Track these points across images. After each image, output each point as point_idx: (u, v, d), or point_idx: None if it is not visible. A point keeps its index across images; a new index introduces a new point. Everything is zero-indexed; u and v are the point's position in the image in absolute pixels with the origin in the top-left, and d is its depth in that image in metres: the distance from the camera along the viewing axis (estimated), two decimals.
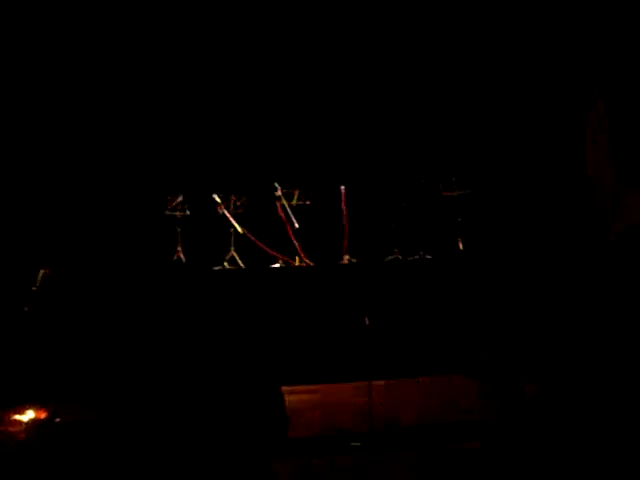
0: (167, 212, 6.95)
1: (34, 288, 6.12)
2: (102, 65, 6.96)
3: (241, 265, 6.95)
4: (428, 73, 7.20)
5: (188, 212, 6.99)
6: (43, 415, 4.58)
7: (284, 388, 5.41)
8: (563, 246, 6.37)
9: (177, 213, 6.96)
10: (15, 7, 6.67)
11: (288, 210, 6.99)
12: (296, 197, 6.98)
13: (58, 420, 4.38)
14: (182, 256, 6.96)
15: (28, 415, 4.56)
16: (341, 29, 7.11)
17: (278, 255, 6.95)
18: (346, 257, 6.99)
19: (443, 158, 7.16)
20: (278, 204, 7.01)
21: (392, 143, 7.24)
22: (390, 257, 6.98)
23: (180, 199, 6.97)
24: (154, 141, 7.07)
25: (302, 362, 6.10)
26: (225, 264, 6.93)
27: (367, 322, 6.75)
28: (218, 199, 6.98)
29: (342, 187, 7.05)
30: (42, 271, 6.15)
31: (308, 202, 6.97)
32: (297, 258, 6.98)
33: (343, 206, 7.03)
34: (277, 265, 6.94)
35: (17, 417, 4.56)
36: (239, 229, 6.98)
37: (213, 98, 7.22)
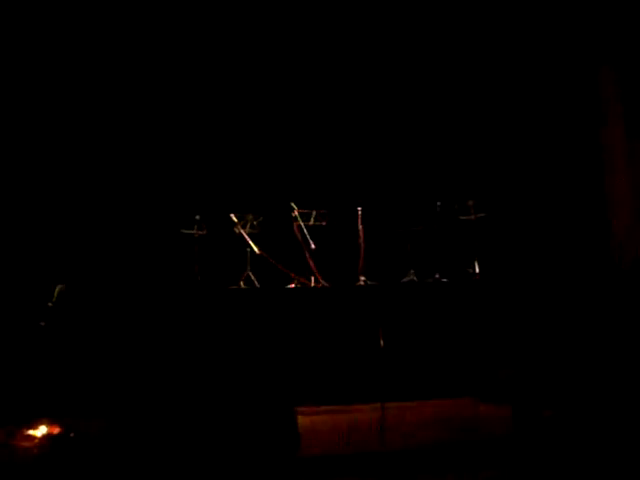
0: (184, 231, 6.95)
1: (50, 304, 6.12)
2: (124, 83, 7.00)
3: (257, 285, 6.95)
4: (446, 97, 7.20)
5: (205, 231, 7.01)
6: (57, 430, 4.57)
7: (299, 408, 5.39)
8: (579, 271, 6.29)
9: (194, 232, 6.97)
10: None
11: (304, 231, 6.97)
12: (313, 218, 6.98)
13: (72, 435, 4.37)
14: (198, 275, 6.96)
15: (42, 430, 4.55)
16: (365, 48, 7.09)
17: (294, 275, 6.93)
18: (362, 278, 6.96)
19: (460, 181, 7.14)
20: (295, 224, 7.01)
21: (409, 165, 7.24)
22: (406, 279, 6.95)
23: (197, 218, 6.99)
24: (172, 159, 7.09)
25: (316, 383, 6.04)
26: (241, 283, 6.94)
27: (382, 343, 6.68)
28: (235, 219, 6.99)
29: (359, 208, 7.05)
30: (59, 287, 6.15)
31: (324, 223, 6.97)
32: (313, 279, 6.96)
33: (359, 227, 7.02)
34: (293, 285, 6.93)
35: (31, 432, 4.54)
36: (255, 249, 6.97)
37: (232, 120, 7.25)
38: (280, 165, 7.20)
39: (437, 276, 6.95)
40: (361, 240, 7.01)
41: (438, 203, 6.99)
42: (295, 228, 7.01)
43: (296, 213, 7.01)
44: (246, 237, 6.99)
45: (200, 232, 6.99)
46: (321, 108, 7.28)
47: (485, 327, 6.47)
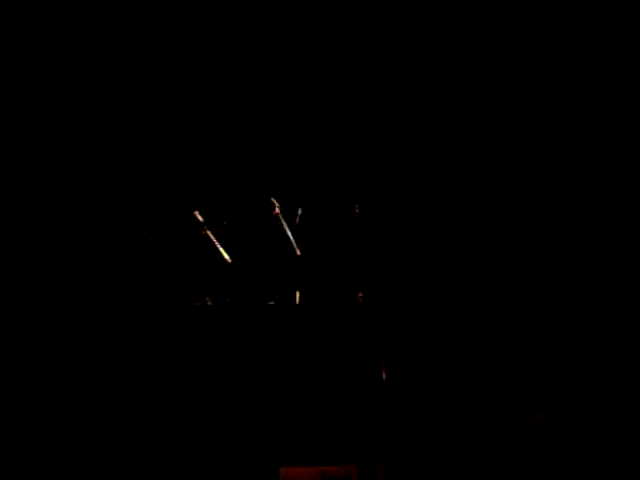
0: (135, 233, 5.72)
1: None
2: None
3: (227, 301, 5.73)
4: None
5: (161, 234, 5.75)
6: None
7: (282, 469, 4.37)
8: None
9: (147, 235, 5.73)
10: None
11: (288, 233, 5.75)
12: (298, 217, 5.77)
13: None
14: (153, 289, 5.70)
15: None
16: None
17: (274, 290, 5.73)
18: (360, 294, 5.68)
19: (480, 168, 5.84)
20: (275, 225, 5.76)
21: (418, 148, 5.90)
22: (416, 296, 5.71)
23: (151, 217, 5.75)
24: (116, 141, 5.78)
25: (302, 435, 4.82)
26: (207, 300, 5.71)
27: (384, 377, 5.44)
28: (200, 218, 5.74)
29: (356, 205, 5.78)
30: None
31: (313, 223, 5.80)
32: (298, 294, 5.74)
33: (357, 229, 5.75)
34: (273, 302, 5.72)
35: None
36: (226, 256, 5.73)
37: (196, 89, 5.91)
38: (257, 151, 5.87)
39: (456, 290, 5.71)
40: (359, 245, 5.78)
41: (457, 194, 5.75)
42: (276, 230, 5.77)
43: (277, 211, 5.77)
44: (214, 241, 5.76)
45: (154, 235, 5.74)
46: (307, 79, 5.96)
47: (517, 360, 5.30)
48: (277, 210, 5.74)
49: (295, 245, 5.73)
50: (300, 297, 5.72)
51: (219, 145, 5.84)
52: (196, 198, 5.82)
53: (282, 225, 5.75)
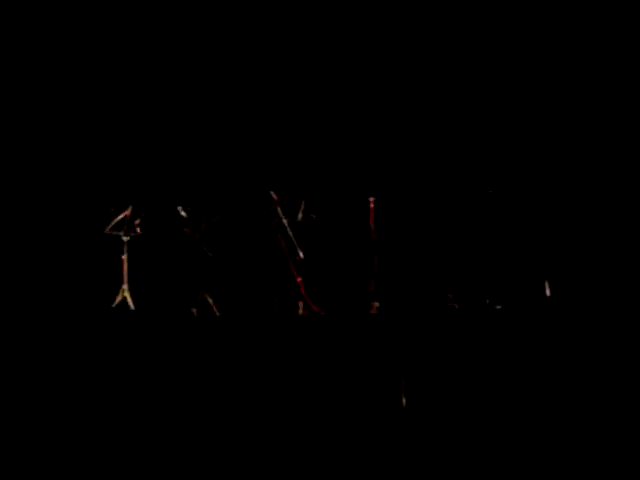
0: (108, 231, 4.88)
1: None
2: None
3: (216, 312, 4.92)
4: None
5: (139, 231, 4.92)
6: None
7: None
8: None
9: (122, 233, 4.88)
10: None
11: (289, 231, 4.93)
12: (301, 212, 4.94)
13: None
14: (129, 297, 4.87)
15: None
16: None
17: (272, 299, 4.93)
18: (375, 304, 4.86)
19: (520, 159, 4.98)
20: (274, 222, 4.96)
21: (442, 135, 5.03)
22: (440, 306, 4.85)
23: (128, 212, 4.90)
24: (89, 127, 4.93)
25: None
26: (193, 310, 4.92)
27: (404, 403, 4.61)
28: (185, 214, 4.91)
29: (370, 199, 4.92)
30: None
31: (318, 219, 4.94)
32: (301, 304, 4.92)
33: (371, 226, 4.89)
34: (270, 314, 4.93)
35: None
36: (215, 258, 4.92)
37: (179, 76, 5.07)
38: (252, 134, 5.01)
39: (487, 301, 4.83)
40: (374, 246, 4.92)
41: (489, 191, 4.89)
42: (275, 227, 4.96)
43: (276, 205, 4.97)
44: (201, 241, 4.95)
45: (132, 233, 4.90)
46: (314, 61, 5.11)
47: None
48: (276, 204, 4.97)
49: (297, 246, 4.94)
50: (303, 308, 4.93)
51: (205, 126, 4.98)
52: (179, 190, 4.95)
53: (282, 222, 4.95)
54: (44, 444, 4.34)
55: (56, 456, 4.32)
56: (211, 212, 4.91)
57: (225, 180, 4.94)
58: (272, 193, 4.91)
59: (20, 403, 4.43)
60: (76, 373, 4.52)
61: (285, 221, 4.92)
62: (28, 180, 4.81)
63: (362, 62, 5.07)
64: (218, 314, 4.88)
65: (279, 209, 4.92)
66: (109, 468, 4.29)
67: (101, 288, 4.84)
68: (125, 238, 4.87)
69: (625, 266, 4.78)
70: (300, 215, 4.91)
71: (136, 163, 4.93)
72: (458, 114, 5.05)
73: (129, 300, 4.85)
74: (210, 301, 4.90)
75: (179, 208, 4.90)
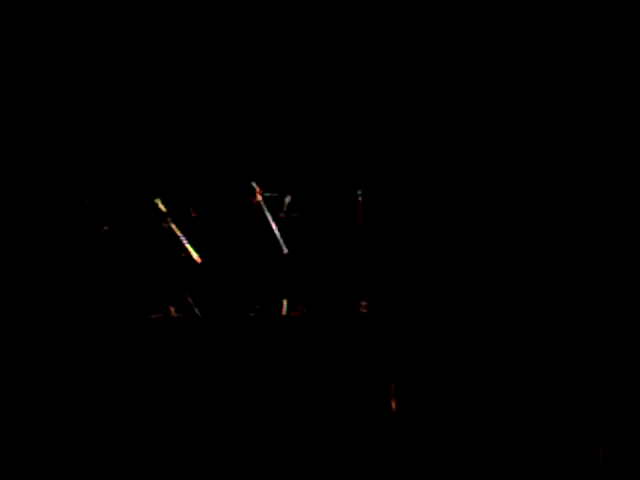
0: (82, 225, 4.57)
1: None
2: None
3: (197, 312, 4.59)
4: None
5: (114, 225, 4.59)
6: None
7: None
8: None
9: (97, 226, 4.58)
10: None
11: (272, 226, 4.62)
12: (286, 206, 4.62)
13: None
14: (102, 295, 4.56)
15: None
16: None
17: (255, 297, 4.60)
18: (363, 303, 4.56)
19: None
20: (257, 216, 4.63)
21: (433, 124, 4.76)
22: (432, 306, 4.54)
23: (103, 204, 4.58)
24: (63, 115, 4.61)
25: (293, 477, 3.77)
26: (171, 310, 4.58)
27: (394, 408, 4.36)
28: (163, 207, 4.59)
29: (358, 192, 4.60)
30: None
31: (303, 214, 4.61)
32: (285, 303, 4.61)
33: (359, 221, 4.60)
34: (253, 314, 4.60)
35: None
36: (194, 255, 4.60)
37: (158, 59, 4.75)
38: (234, 124, 4.70)
39: (480, 299, 4.55)
40: (362, 241, 4.64)
41: (480, 186, 4.61)
42: (257, 222, 4.64)
43: (259, 199, 4.64)
44: (180, 236, 4.63)
45: (106, 227, 4.59)
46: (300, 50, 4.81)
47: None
48: (259, 197, 4.65)
49: (281, 241, 4.64)
50: (287, 307, 4.63)
51: (185, 115, 4.68)
52: (157, 182, 4.64)
53: (265, 216, 4.65)
54: (41, 444, 4.09)
55: (51, 458, 4.06)
56: (191, 206, 4.62)
57: (207, 173, 4.64)
58: (256, 187, 4.62)
59: (8, 401, 4.17)
60: (54, 375, 4.26)
61: (269, 215, 4.64)
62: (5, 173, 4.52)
63: (346, 52, 4.79)
64: (199, 314, 4.59)
65: (263, 203, 4.63)
66: (93, 471, 4.05)
67: (69, 283, 4.57)
68: (100, 231, 4.60)
69: (625, 266, 4.58)
70: (284, 209, 4.63)
71: (112, 152, 4.64)
72: (447, 106, 4.78)
73: (102, 297, 4.59)
74: (189, 300, 4.62)
75: (157, 201, 4.62)
